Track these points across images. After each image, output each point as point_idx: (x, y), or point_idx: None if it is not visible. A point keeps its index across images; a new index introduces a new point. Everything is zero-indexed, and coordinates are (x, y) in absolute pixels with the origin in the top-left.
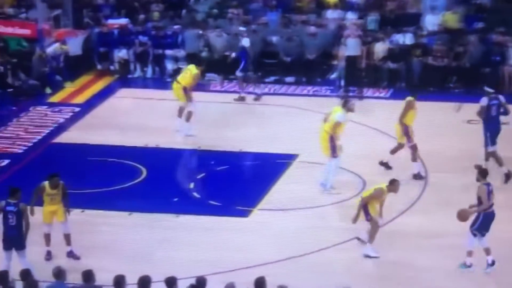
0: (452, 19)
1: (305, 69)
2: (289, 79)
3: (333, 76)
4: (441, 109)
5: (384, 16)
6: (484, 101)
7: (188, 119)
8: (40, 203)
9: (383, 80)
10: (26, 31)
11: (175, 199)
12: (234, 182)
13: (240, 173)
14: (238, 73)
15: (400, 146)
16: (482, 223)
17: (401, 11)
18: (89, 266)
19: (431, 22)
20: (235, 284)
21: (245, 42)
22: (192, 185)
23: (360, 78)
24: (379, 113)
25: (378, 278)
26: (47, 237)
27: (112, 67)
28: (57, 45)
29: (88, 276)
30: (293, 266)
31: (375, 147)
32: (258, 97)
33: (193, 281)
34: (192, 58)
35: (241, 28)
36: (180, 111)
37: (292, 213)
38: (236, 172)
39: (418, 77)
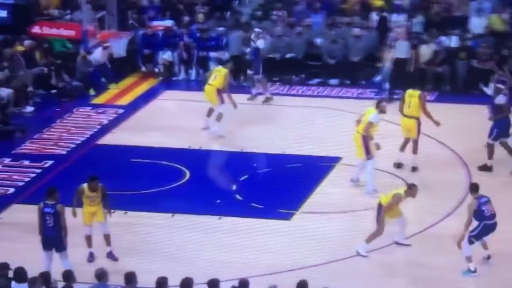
0: (498, 22)
1: (349, 71)
2: (333, 81)
3: (378, 78)
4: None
5: (430, 19)
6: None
7: (219, 119)
8: (81, 204)
9: (428, 83)
10: (71, 33)
11: (218, 201)
12: (276, 185)
13: (282, 175)
14: (257, 76)
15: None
16: (481, 231)
17: (447, 13)
18: (131, 267)
19: (477, 25)
20: (277, 286)
21: (260, 43)
22: (234, 187)
23: (406, 81)
24: (423, 116)
25: (422, 282)
26: (88, 239)
27: (156, 69)
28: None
29: (130, 277)
30: (335, 269)
31: (419, 151)
32: (252, 97)
33: (235, 283)
34: (235, 60)
35: (257, 30)
36: (210, 112)
37: (334, 216)
38: (279, 175)
39: (463, 80)
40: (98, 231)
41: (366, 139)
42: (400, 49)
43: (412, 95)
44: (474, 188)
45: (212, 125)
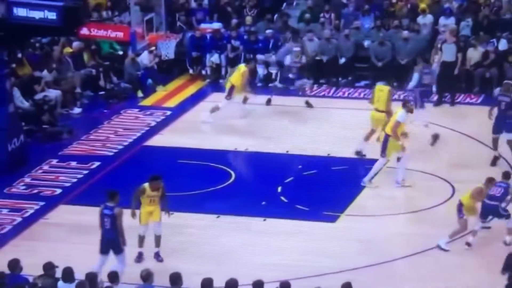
0: None
1: (397, 73)
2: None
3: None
4: None
5: (478, 22)
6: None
7: (213, 111)
8: (139, 205)
9: (475, 86)
10: (119, 34)
11: (263, 203)
12: (321, 187)
13: (328, 178)
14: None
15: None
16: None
17: (495, 16)
18: (177, 268)
19: None
20: None
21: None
22: (279, 189)
23: (453, 84)
24: (470, 119)
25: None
26: (141, 239)
27: (204, 72)
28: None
29: (175, 278)
30: (381, 272)
31: (466, 154)
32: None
33: (278, 285)
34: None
35: (296, 49)
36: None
37: (380, 219)
38: (324, 177)
39: None
40: (149, 232)
41: (387, 138)
42: (447, 52)
43: (382, 90)
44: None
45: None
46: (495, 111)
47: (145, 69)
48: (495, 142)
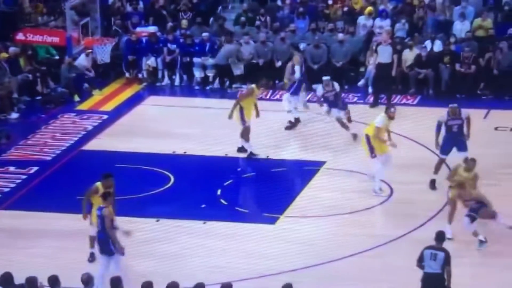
0: (482, 26)
1: (333, 76)
2: (316, 86)
3: (361, 83)
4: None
5: (413, 23)
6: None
7: (244, 136)
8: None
9: (410, 87)
10: (55, 39)
11: (203, 206)
12: (261, 189)
13: (267, 180)
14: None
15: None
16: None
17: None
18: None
19: (460, 29)
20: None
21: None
22: (219, 192)
23: (389, 85)
24: (406, 120)
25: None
26: (93, 239)
27: (140, 75)
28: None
29: (115, 282)
30: (321, 274)
31: (401, 154)
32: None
33: (219, 287)
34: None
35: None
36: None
37: (319, 220)
38: (263, 179)
39: (446, 84)
40: None
41: (369, 139)
42: (382, 54)
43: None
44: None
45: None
46: (441, 135)
47: (81, 74)
48: (439, 164)
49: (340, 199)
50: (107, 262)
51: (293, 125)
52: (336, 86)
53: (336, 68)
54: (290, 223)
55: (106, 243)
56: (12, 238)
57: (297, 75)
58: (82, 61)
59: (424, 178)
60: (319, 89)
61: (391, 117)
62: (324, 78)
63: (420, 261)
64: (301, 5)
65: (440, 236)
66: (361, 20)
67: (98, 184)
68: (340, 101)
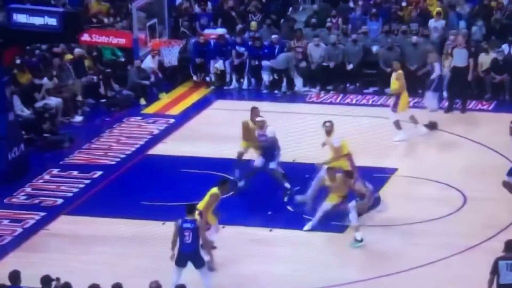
0: None
1: (406, 79)
2: (389, 90)
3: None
4: None
5: (490, 26)
6: None
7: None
8: None
9: (486, 92)
10: (121, 41)
11: (269, 213)
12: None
13: None
14: None
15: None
16: None
17: (508, 20)
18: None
19: None
20: None
21: None
22: (286, 199)
23: (464, 90)
24: (481, 126)
25: None
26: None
27: (208, 78)
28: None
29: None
30: (388, 285)
31: (475, 161)
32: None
33: None
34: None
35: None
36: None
37: (389, 230)
38: None
39: None
40: None
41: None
42: (457, 58)
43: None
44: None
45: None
46: None
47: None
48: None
49: (411, 208)
50: (181, 273)
51: (432, 125)
52: None
53: (409, 71)
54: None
55: (197, 255)
56: (74, 244)
57: (437, 71)
58: (149, 62)
59: (498, 186)
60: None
61: (326, 132)
62: None
63: (494, 273)
64: (374, 7)
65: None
66: (432, 23)
67: (216, 189)
68: None
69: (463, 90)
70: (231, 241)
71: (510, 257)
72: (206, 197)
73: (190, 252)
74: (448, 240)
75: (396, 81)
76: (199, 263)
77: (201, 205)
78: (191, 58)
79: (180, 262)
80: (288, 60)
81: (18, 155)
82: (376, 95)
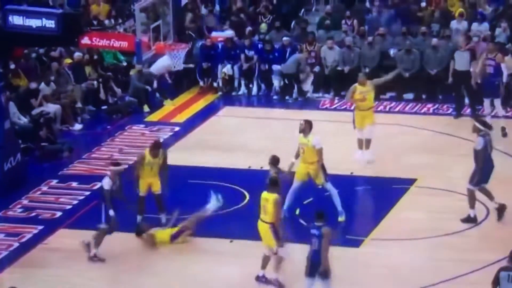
0: None
1: (426, 85)
2: (408, 95)
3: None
4: None
5: None
6: None
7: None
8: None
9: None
10: (123, 44)
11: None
12: (344, 209)
13: (351, 198)
14: None
15: None
16: None
17: None
18: None
19: None
20: None
21: None
22: (298, 211)
23: (470, 95)
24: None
25: None
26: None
27: (215, 84)
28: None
29: None
30: None
31: (501, 172)
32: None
33: None
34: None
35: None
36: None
37: (407, 244)
38: (346, 198)
39: None
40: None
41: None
42: (459, 61)
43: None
44: None
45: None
46: None
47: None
48: None
49: (431, 221)
50: (313, 283)
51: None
52: None
53: (429, 76)
54: (375, 247)
55: (319, 265)
56: (74, 259)
57: (505, 73)
58: (165, 61)
59: None
60: None
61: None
62: None
63: (496, 283)
64: (392, 7)
65: None
66: (454, 24)
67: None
68: None
69: (469, 95)
70: (240, 255)
71: (511, 267)
72: (270, 208)
73: (317, 260)
74: (470, 255)
75: (371, 94)
76: (323, 274)
77: (269, 217)
78: (198, 62)
79: (309, 271)
80: (298, 62)
81: (14, 165)
82: (394, 101)
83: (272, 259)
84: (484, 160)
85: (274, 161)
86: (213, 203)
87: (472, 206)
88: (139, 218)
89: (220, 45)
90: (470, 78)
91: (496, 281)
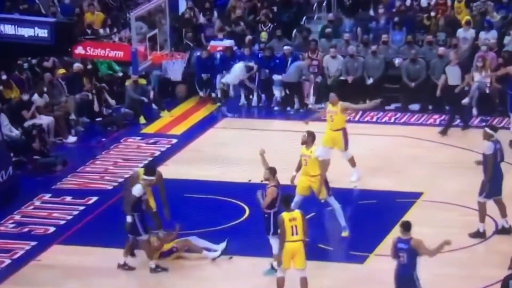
0: None
1: (432, 95)
2: (413, 106)
3: (465, 100)
4: None
5: None
6: None
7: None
8: None
9: None
10: (119, 54)
11: None
12: (348, 224)
13: (355, 213)
14: None
15: None
16: None
17: None
18: None
19: None
20: None
21: None
22: None
23: (459, 109)
24: None
25: None
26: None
27: (214, 94)
28: None
29: None
30: None
31: (510, 185)
32: None
33: None
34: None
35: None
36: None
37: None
38: (350, 213)
39: None
40: None
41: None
42: (451, 76)
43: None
44: None
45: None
46: None
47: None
48: None
49: (438, 236)
50: None
51: None
52: None
53: (435, 86)
54: (380, 263)
55: (411, 281)
56: (69, 277)
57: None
58: (237, 71)
59: None
60: None
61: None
62: None
63: None
64: (397, 15)
65: None
66: (461, 32)
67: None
68: None
69: (459, 110)
70: (243, 273)
71: None
72: (300, 224)
73: (404, 275)
74: (477, 271)
75: (342, 114)
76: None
77: (300, 235)
78: (196, 72)
79: (397, 285)
80: (300, 69)
81: (6, 179)
82: (399, 112)
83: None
84: (493, 167)
85: (273, 172)
86: (219, 248)
87: (482, 219)
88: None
89: (218, 55)
90: (462, 93)
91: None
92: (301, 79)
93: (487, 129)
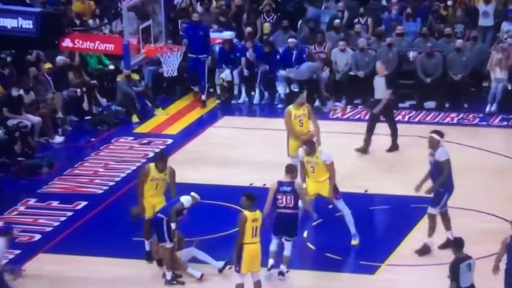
0: None
1: (449, 92)
2: (429, 104)
3: (489, 109)
4: None
5: None
6: None
7: None
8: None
9: None
10: (109, 47)
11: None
12: (357, 231)
13: (365, 219)
14: None
15: None
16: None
17: None
18: None
19: None
20: None
21: None
22: (305, 234)
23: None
24: None
25: None
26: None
27: (212, 91)
28: None
29: None
30: None
31: None
32: None
33: None
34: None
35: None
36: None
37: (428, 270)
38: (360, 219)
39: None
40: None
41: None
42: (377, 88)
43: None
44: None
45: None
46: None
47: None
48: None
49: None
50: None
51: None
52: None
53: (453, 82)
54: (393, 273)
55: None
56: (54, 287)
57: None
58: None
59: None
60: None
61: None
62: None
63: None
64: (411, 4)
65: None
66: (481, 6)
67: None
68: None
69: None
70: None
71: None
72: (259, 224)
73: None
74: (498, 282)
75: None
76: None
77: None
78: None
79: None
80: (312, 72)
81: None
82: (414, 110)
83: None
84: (449, 172)
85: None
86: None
87: (448, 228)
88: (147, 243)
89: (217, 48)
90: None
91: (456, 276)
92: (313, 77)
93: (435, 136)
